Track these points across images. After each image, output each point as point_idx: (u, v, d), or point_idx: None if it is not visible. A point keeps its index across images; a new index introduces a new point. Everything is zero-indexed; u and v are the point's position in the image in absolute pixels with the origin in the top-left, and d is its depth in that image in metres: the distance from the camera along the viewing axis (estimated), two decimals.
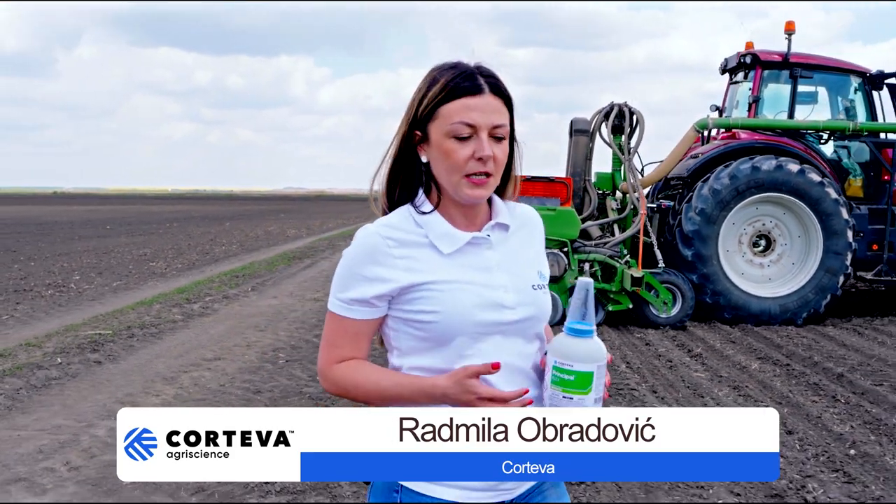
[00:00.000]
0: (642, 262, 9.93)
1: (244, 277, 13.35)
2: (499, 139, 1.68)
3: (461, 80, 1.67)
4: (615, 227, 10.71)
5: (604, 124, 10.77)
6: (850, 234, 10.13)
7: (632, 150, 10.69)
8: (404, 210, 1.73)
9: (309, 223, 35.97)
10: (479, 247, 1.72)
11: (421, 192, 1.75)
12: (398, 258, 1.67)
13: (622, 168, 10.81)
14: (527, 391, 1.64)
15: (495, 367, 1.61)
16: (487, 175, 1.67)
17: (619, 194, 11.13)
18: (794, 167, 10.06)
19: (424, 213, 1.71)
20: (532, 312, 1.73)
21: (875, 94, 11.07)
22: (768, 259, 10.49)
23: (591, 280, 1.66)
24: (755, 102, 10.98)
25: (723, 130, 11.34)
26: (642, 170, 10.89)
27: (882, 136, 10.77)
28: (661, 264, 9.97)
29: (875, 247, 10.71)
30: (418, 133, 1.71)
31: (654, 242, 10.15)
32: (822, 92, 11.39)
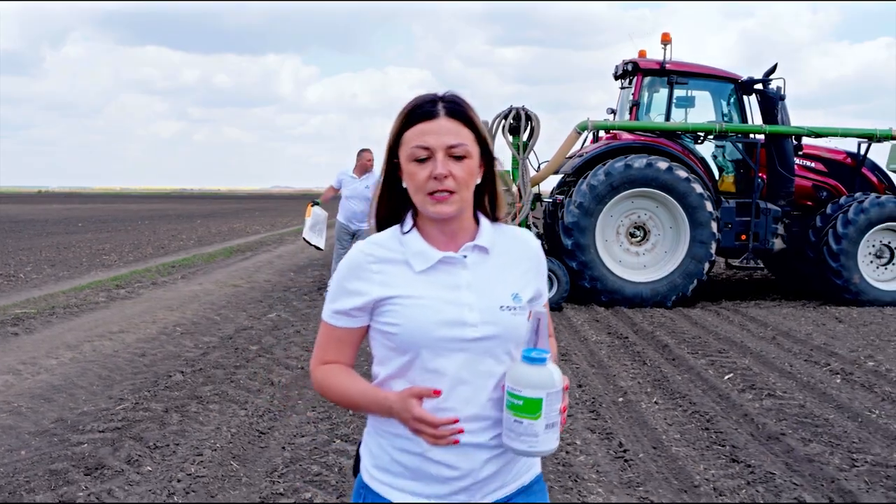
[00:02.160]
0: None
1: (180, 268, 14.44)
2: (458, 158, 1.77)
3: (418, 108, 1.79)
4: (508, 219, 11.81)
5: (502, 126, 11.84)
6: (714, 225, 11.27)
7: (527, 150, 11.78)
8: (395, 229, 1.86)
9: (278, 220, 36.99)
10: (452, 266, 1.81)
11: (409, 213, 1.87)
12: (375, 273, 1.79)
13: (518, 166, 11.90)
14: (456, 420, 1.71)
15: (436, 393, 1.70)
16: (448, 192, 1.76)
17: (514, 189, 12.23)
18: (662, 165, 11.19)
19: (405, 232, 1.84)
20: (495, 332, 1.78)
21: (748, 98, 12.19)
22: (643, 248, 11.63)
23: (544, 311, 1.79)
24: (635, 106, 12.11)
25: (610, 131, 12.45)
26: (538, 167, 11.98)
27: (752, 136, 11.89)
28: None
29: (743, 237, 11.87)
30: (395, 160, 1.83)
31: (537, 233, 11.26)
32: (707, 96, 12.53)
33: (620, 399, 6.40)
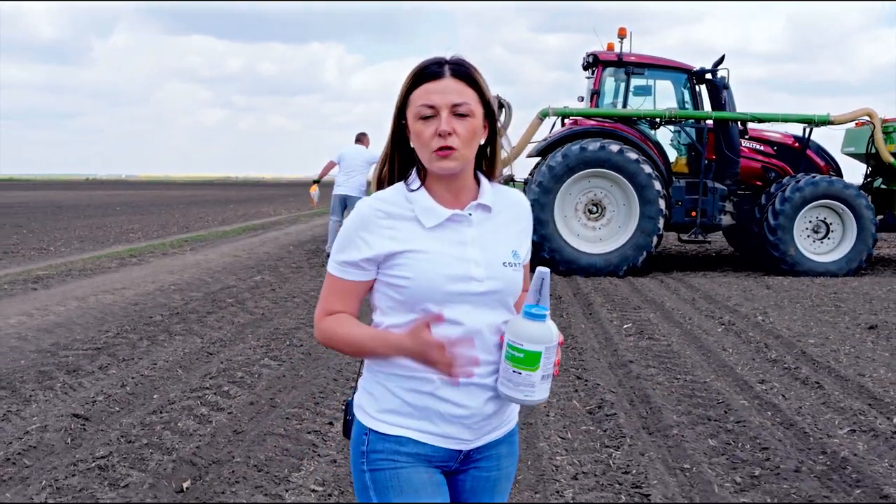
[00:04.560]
0: None
1: (191, 242, 16.00)
2: (461, 116, 1.82)
3: (424, 69, 1.85)
4: None
5: None
6: (661, 202, 12.44)
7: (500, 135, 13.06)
8: (399, 186, 1.91)
9: (309, 206, 38.53)
10: (459, 223, 1.88)
11: (414, 171, 1.92)
12: (385, 228, 1.84)
13: None
14: (478, 360, 1.80)
15: (439, 318, 1.78)
16: (450, 148, 1.81)
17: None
18: (614, 148, 12.39)
19: (413, 189, 1.88)
20: (499, 286, 1.87)
21: (700, 87, 13.33)
22: (600, 223, 12.84)
23: (547, 270, 1.82)
24: (595, 95, 13.32)
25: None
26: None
27: (701, 122, 13.04)
28: None
29: (693, 213, 13.05)
30: (403, 122, 1.89)
31: None
32: (669, 86, 13.68)
33: None
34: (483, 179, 1.96)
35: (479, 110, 1.86)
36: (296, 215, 28.05)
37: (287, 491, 3.90)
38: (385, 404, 1.88)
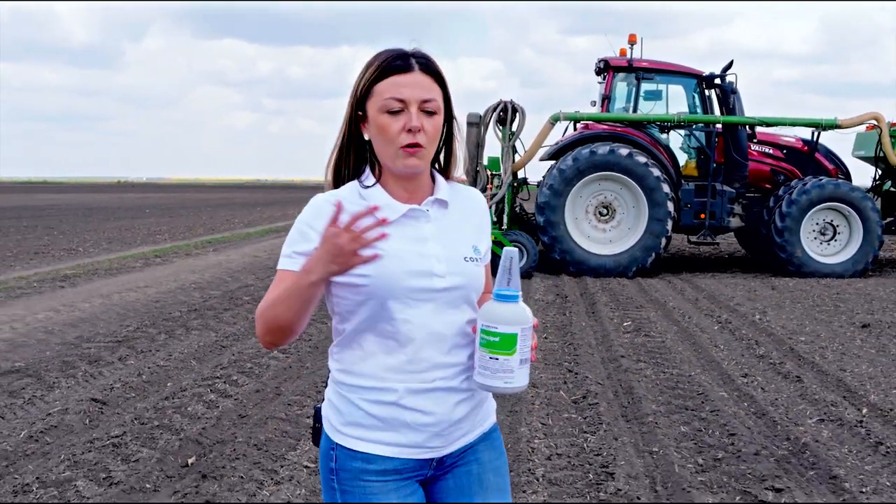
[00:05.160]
0: (510, 225, 12.88)
1: (215, 243, 16.49)
2: (429, 113, 1.78)
3: (392, 60, 1.78)
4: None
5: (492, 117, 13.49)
6: (670, 204, 12.71)
7: (512, 138, 13.39)
8: (352, 184, 1.85)
9: None
10: (416, 219, 1.83)
11: (367, 168, 1.85)
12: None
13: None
14: (376, 208, 1.65)
15: (338, 206, 1.62)
16: (419, 146, 1.77)
17: (487, 174, 13.85)
18: (624, 151, 12.69)
19: (367, 186, 1.82)
20: (461, 282, 1.83)
21: (710, 91, 13.59)
22: (610, 225, 13.14)
23: (515, 250, 1.80)
24: (606, 99, 13.62)
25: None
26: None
27: (716, 126, 13.30)
28: (504, 227, 12.82)
29: (702, 216, 13.31)
30: (360, 113, 1.81)
31: (507, 210, 12.94)
32: (680, 91, 13.95)
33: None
34: (438, 177, 1.91)
35: (441, 108, 1.83)
36: None
37: (282, 467, 4.27)
38: (349, 417, 1.82)
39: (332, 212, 1.65)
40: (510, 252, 1.78)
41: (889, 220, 13.64)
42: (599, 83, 14.24)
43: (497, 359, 1.73)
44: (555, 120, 13.31)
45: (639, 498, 3.92)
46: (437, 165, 1.93)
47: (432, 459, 1.86)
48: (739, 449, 4.63)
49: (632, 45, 13.54)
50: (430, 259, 1.81)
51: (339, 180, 1.88)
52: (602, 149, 12.72)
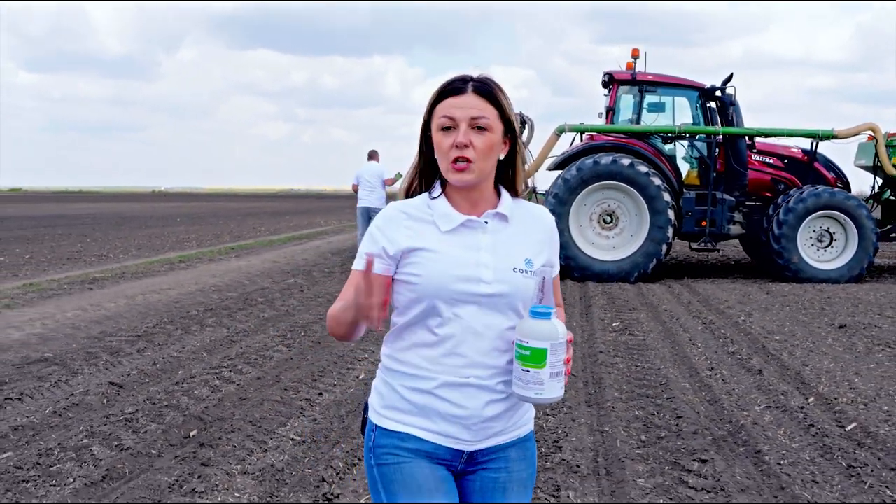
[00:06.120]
0: None
1: (238, 250, 17.21)
2: (480, 129, 1.93)
3: (449, 85, 1.98)
4: None
5: None
6: (670, 212, 13.20)
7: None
8: (423, 196, 2.05)
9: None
10: (473, 229, 1.99)
11: (437, 182, 2.05)
12: (405, 227, 1.97)
13: None
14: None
15: (369, 260, 1.79)
16: (467, 160, 1.92)
17: None
18: (626, 161, 13.21)
19: (434, 197, 2.02)
20: (506, 290, 1.95)
21: (711, 103, 14.07)
22: (613, 232, 13.66)
23: (549, 270, 1.97)
24: (610, 111, 14.16)
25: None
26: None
27: (711, 136, 13.78)
28: None
29: (703, 223, 13.79)
30: (429, 133, 2.01)
31: None
32: (684, 102, 14.46)
33: None
34: (504, 192, 2.05)
35: (498, 126, 1.95)
36: (344, 225, 29.26)
37: (271, 439, 4.87)
38: (389, 401, 1.98)
39: (402, 219, 1.98)
40: (542, 271, 1.97)
41: (889, 227, 14.03)
42: (605, 95, 14.77)
43: (528, 371, 1.86)
44: (560, 131, 13.87)
45: (578, 467, 4.47)
46: (507, 181, 2.07)
47: (463, 452, 1.99)
48: (682, 429, 5.16)
49: (635, 59, 14.07)
50: (480, 266, 1.95)
51: (410, 193, 2.08)
52: (605, 159, 13.24)
